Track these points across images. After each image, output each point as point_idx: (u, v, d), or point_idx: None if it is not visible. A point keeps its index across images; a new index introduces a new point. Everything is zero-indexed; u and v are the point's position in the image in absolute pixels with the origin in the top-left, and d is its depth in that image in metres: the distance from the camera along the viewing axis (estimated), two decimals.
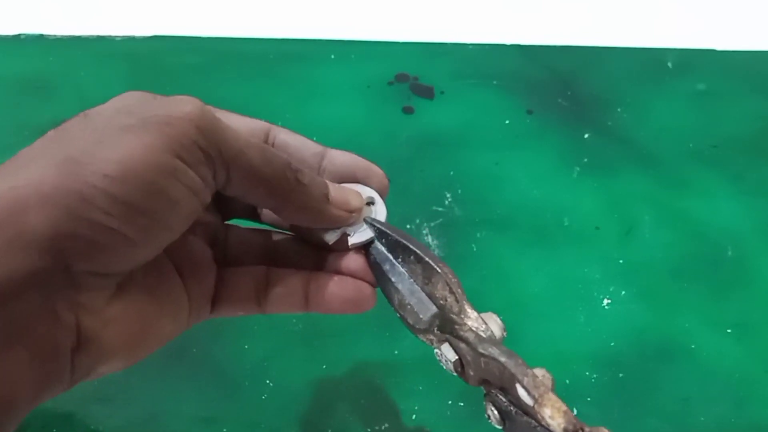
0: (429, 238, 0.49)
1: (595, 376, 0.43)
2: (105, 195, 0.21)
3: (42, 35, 0.63)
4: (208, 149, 0.23)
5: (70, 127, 0.23)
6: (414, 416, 0.41)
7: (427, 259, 0.27)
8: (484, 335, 0.26)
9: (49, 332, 0.21)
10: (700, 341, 0.45)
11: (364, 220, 0.29)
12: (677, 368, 0.44)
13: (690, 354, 0.44)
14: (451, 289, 0.27)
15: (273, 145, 0.28)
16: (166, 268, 0.26)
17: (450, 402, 0.41)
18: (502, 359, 0.24)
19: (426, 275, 0.27)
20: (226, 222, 0.30)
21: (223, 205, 0.30)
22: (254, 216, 0.30)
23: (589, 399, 0.42)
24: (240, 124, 0.27)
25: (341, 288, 0.28)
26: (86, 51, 0.62)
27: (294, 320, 0.44)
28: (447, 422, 0.40)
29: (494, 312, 0.27)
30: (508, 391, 0.24)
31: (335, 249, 0.29)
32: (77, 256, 0.21)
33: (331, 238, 0.28)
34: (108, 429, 0.39)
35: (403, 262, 0.28)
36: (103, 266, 0.22)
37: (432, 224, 0.50)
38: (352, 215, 0.28)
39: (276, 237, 0.30)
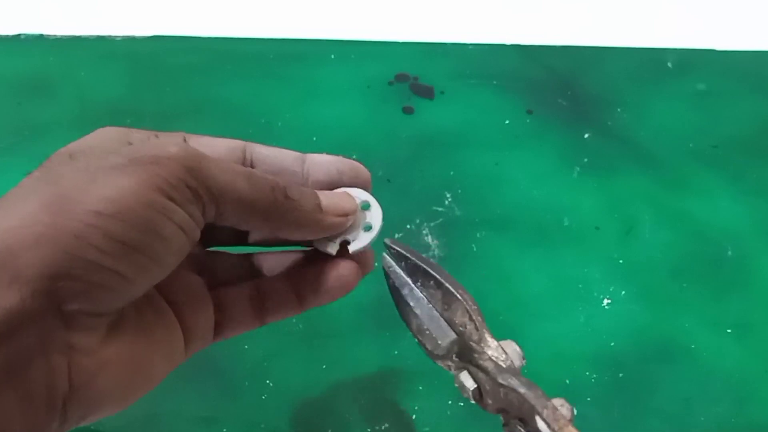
0: (429, 238, 0.49)
1: (595, 376, 0.43)
2: (99, 232, 0.20)
3: (42, 35, 0.63)
4: (197, 188, 0.23)
5: (57, 166, 0.23)
6: (414, 416, 0.41)
7: (447, 285, 0.27)
8: (503, 365, 0.26)
9: (43, 376, 0.21)
10: (700, 341, 0.45)
11: (386, 243, 0.29)
12: (677, 368, 0.44)
13: (690, 354, 0.44)
14: (471, 316, 0.27)
15: (251, 161, 0.28)
16: (157, 304, 0.26)
17: (450, 402, 0.41)
18: (522, 390, 0.24)
19: (446, 301, 0.27)
20: (207, 249, 0.30)
21: (204, 234, 0.30)
22: (239, 241, 0.30)
23: (589, 399, 0.42)
24: (217, 146, 0.27)
25: (323, 282, 0.28)
26: (86, 51, 0.62)
27: (294, 320, 0.44)
28: (447, 422, 0.41)
29: (514, 340, 0.27)
30: (527, 422, 0.24)
31: (339, 257, 0.29)
32: (71, 296, 0.21)
33: (332, 249, 0.28)
34: (108, 429, 0.39)
35: (423, 287, 0.28)
36: (96, 305, 0.21)
37: (432, 224, 0.50)
38: (348, 218, 0.28)
39: (257, 252, 0.30)
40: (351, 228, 0.28)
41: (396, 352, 0.43)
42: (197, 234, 0.24)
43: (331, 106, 0.58)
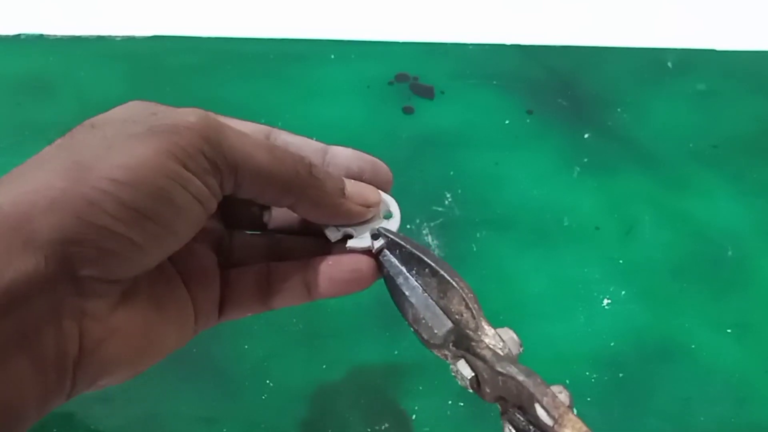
0: (429, 238, 0.49)
1: (595, 376, 0.43)
2: (112, 199, 0.21)
3: (42, 35, 0.63)
4: (214, 158, 0.23)
5: (77, 135, 0.23)
6: (414, 416, 0.41)
7: (442, 272, 0.27)
8: (501, 353, 0.25)
9: (55, 340, 0.21)
10: (700, 341, 0.45)
11: (378, 228, 0.28)
12: (677, 368, 0.44)
13: (690, 354, 0.44)
14: (467, 304, 0.26)
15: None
16: (171, 277, 0.26)
17: (450, 402, 0.41)
18: (521, 378, 0.24)
19: (441, 289, 0.27)
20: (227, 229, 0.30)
21: (227, 214, 0.29)
22: (259, 226, 0.30)
23: (589, 399, 0.42)
24: (243, 128, 0.27)
25: (338, 269, 0.28)
26: (86, 51, 0.62)
27: (294, 320, 0.44)
28: (447, 422, 0.40)
29: (510, 327, 0.26)
30: (527, 410, 0.24)
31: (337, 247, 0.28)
32: (84, 262, 0.21)
33: (333, 235, 0.28)
34: (108, 429, 0.39)
35: (418, 275, 0.27)
36: (108, 272, 0.22)
37: (432, 224, 0.50)
38: (371, 210, 0.28)
39: (278, 236, 0.30)
40: (363, 224, 0.28)
41: (396, 352, 0.43)
42: (213, 205, 0.24)
43: (331, 106, 0.58)
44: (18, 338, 0.20)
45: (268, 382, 0.42)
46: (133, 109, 0.24)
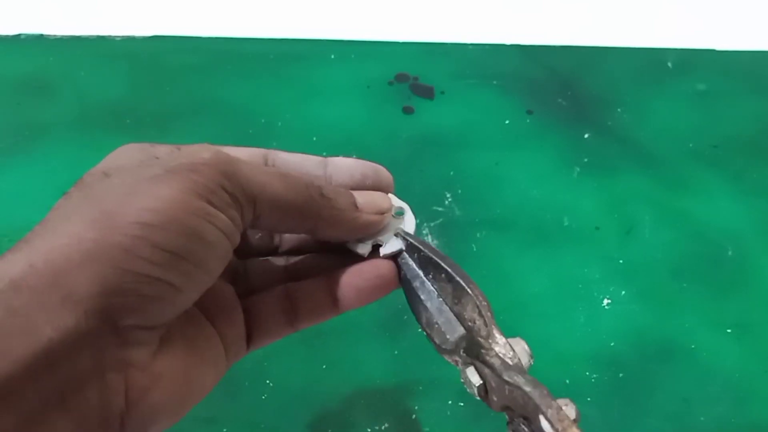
0: (429, 238, 0.49)
1: (595, 376, 0.43)
2: (146, 244, 0.20)
3: (42, 35, 0.63)
4: (234, 191, 0.23)
5: (93, 184, 0.22)
6: (414, 416, 0.41)
7: (458, 278, 0.27)
8: (510, 362, 0.25)
9: (98, 396, 0.20)
10: (700, 341, 0.45)
11: (396, 233, 0.28)
12: (677, 368, 0.44)
13: (690, 354, 0.44)
14: (480, 311, 0.26)
15: (274, 167, 0.28)
16: (195, 317, 0.25)
17: (450, 402, 0.41)
18: (527, 389, 0.24)
19: (456, 295, 0.27)
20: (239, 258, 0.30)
21: (238, 245, 0.29)
22: (271, 251, 0.30)
23: (589, 399, 0.42)
24: (239, 155, 0.26)
25: (362, 278, 0.28)
26: (86, 51, 0.62)
27: None
28: (447, 422, 0.40)
29: (522, 338, 0.26)
30: (531, 422, 0.24)
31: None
32: (125, 311, 0.20)
33: (364, 250, 0.28)
34: None
35: (434, 280, 0.28)
36: (150, 318, 0.21)
37: (432, 224, 0.50)
38: (385, 216, 0.28)
39: (292, 257, 0.30)
40: (383, 230, 0.28)
41: (396, 352, 0.43)
42: (238, 238, 0.24)
43: (331, 106, 0.58)
44: (59, 397, 0.19)
45: (268, 382, 0.42)
46: (135, 154, 0.24)
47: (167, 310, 0.22)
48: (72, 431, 0.20)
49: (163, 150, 0.24)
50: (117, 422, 0.21)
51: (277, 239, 0.30)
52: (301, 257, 0.30)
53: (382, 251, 0.28)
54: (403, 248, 0.28)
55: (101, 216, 0.21)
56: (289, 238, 0.30)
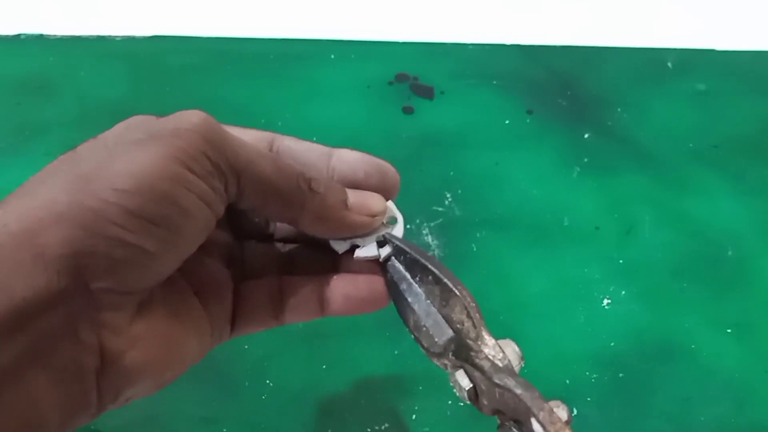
0: (429, 238, 0.49)
1: (595, 376, 0.43)
2: (119, 209, 0.20)
3: (42, 35, 0.63)
4: (217, 160, 0.22)
5: (81, 149, 0.23)
6: (414, 416, 0.41)
7: (445, 280, 0.26)
8: (500, 364, 0.25)
9: (72, 354, 0.21)
10: (700, 341, 0.45)
11: (384, 235, 0.28)
12: (677, 368, 0.44)
13: (690, 354, 0.44)
14: (469, 313, 0.26)
15: (278, 152, 0.27)
16: (185, 291, 0.25)
17: (450, 402, 0.41)
18: (518, 391, 0.23)
19: (444, 297, 0.26)
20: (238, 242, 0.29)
21: (237, 225, 0.29)
22: (265, 237, 0.30)
23: (589, 399, 0.42)
24: (245, 136, 0.26)
25: (354, 288, 0.27)
26: (86, 51, 0.62)
27: None
28: (447, 422, 0.40)
29: (512, 339, 0.26)
30: (523, 424, 0.24)
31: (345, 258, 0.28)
32: (96, 274, 0.21)
33: (340, 247, 0.28)
34: (108, 429, 0.39)
35: (421, 282, 0.27)
36: (123, 283, 0.21)
37: (432, 224, 0.50)
38: (376, 219, 0.27)
39: (290, 247, 0.29)
40: (378, 227, 0.28)
41: (396, 352, 0.43)
42: (221, 208, 0.23)
43: (331, 106, 0.58)
44: (32, 354, 0.20)
45: (268, 382, 0.42)
46: (134, 120, 0.24)
47: (141, 276, 0.22)
48: (47, 388, 0.20)
49: (163, 118, 0.24)
50: (92, 379, 0.21)
51: (272, 226, 0.29)
52: (297, 249, 0.29)
53: (357, 253, 0.27)
54: (380, 256, 0.27)
55: (77, 180, 0.21)
56: (282, 227, 0.29)
